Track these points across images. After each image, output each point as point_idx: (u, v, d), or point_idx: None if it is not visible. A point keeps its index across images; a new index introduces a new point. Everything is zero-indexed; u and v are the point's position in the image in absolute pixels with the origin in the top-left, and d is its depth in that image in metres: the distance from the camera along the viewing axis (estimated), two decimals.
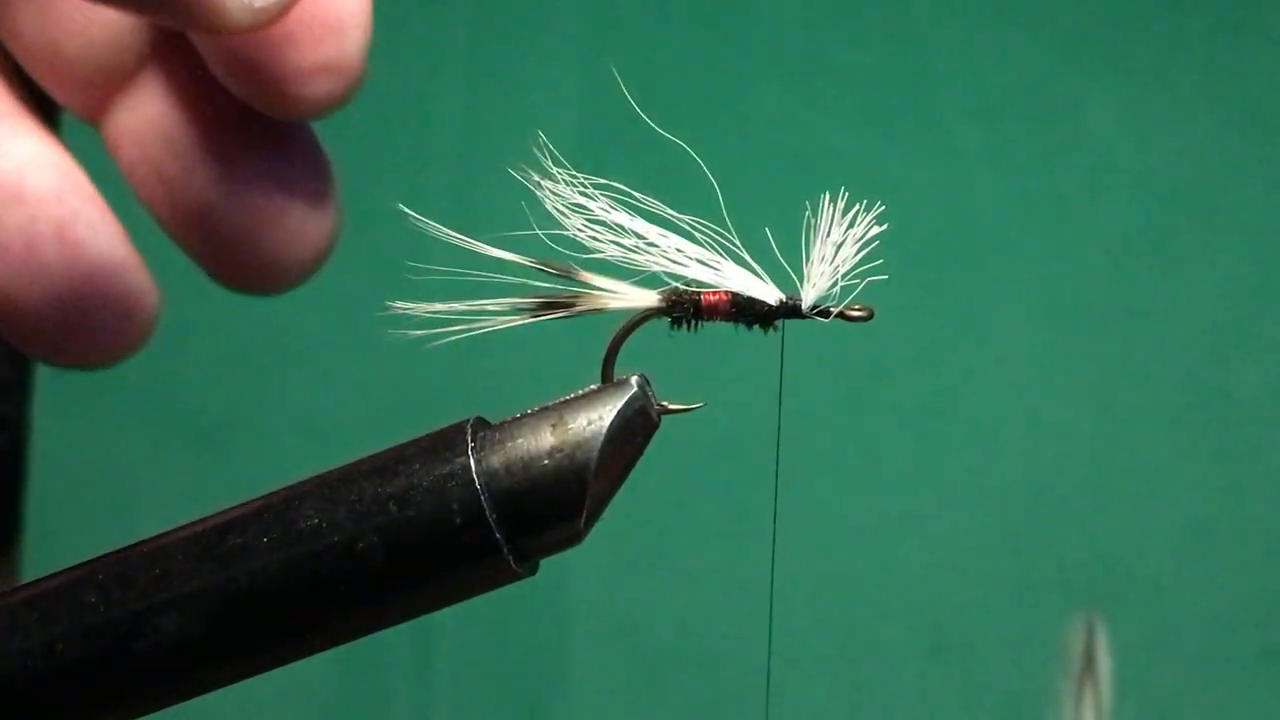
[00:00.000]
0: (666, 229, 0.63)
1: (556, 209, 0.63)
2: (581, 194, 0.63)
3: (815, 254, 0.63)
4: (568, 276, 0.63)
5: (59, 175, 0.58)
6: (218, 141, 0.59)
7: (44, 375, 1.50)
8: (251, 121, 0.59)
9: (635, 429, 0.59)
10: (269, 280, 0.61)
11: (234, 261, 0.60)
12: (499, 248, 0.63)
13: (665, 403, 0.61)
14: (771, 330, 0.64)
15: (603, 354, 0.61)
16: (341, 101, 0.57)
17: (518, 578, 0.59)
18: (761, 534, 1.42)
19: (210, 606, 0.57)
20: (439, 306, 0.62)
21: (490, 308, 0.62)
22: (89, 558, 0.60)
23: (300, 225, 0.60)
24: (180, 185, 0.59)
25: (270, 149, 0.60)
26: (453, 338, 0.62)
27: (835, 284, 0.63)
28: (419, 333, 0.62)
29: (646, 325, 0.63)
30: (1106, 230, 1.47)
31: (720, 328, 0.65)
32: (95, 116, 0.60)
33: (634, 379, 0.60)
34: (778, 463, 0.73)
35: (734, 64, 1.50)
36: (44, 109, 0.60)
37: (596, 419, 0.58)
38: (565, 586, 1.44)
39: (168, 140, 0.59)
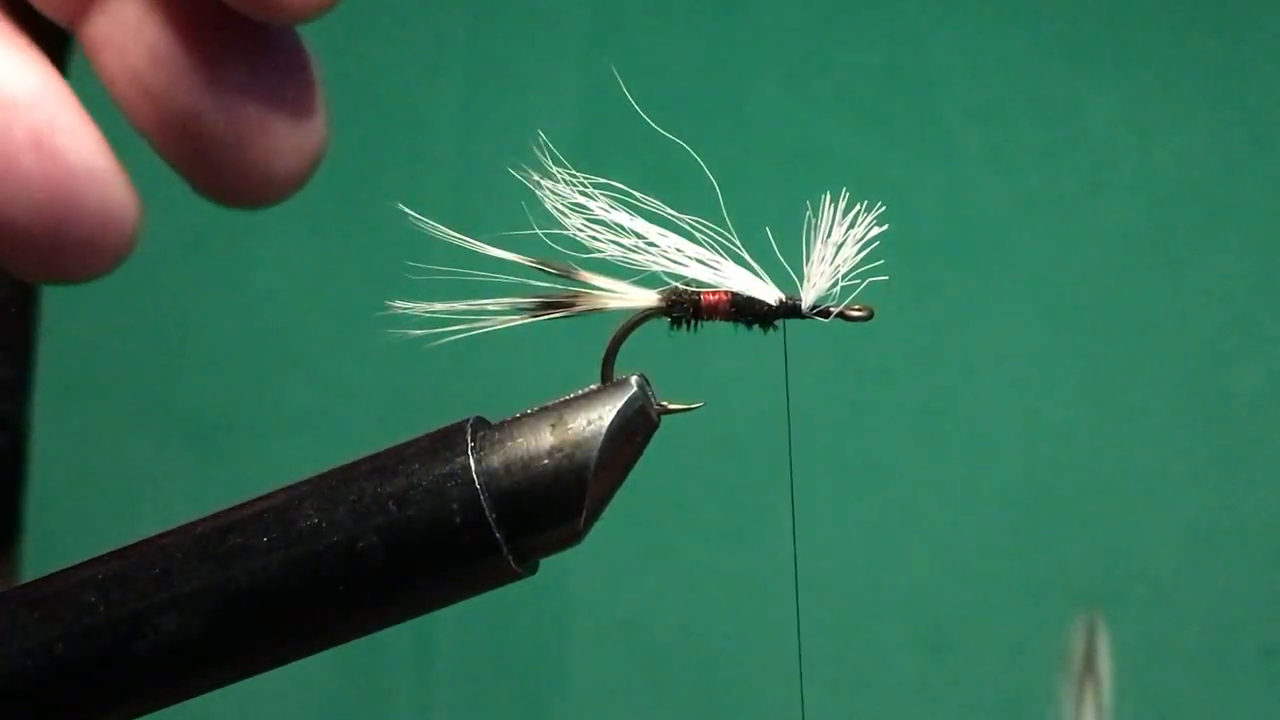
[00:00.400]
0: (666, 229, 0.63)
1: (556, 209, 0.63)
2: (581, 194, 0.63)
3: (815, 254, 0.63)
4: (567, 276, 0.63)
5: (35, 81, 0.57)
6: (201, 48, 0.57)
7: (44, 375, 1.50)
8: (237, 27, 0.58)
9: (635, 429, 0.59)
10: (257, 193, 0.60)
11: (220, 173, 0.59)
12: (499, 247, 0.63)
13: (665, 403, 0.61)
14: (771, 330, 0.64)
15: (603, 354, 0.61)
16: (329, 5, 0.56)
17: (518, 577, 0.59)
18: (761, 533, 1.42)
19: (210, 606, 0.57)
20: (439, 306, 0.62)
21: (490, 308, 0.62)
22: (89, 558, 0.59)
23: (288, 135, 0.59)
24: (163, 95, 0.58)
25: (256, 56, 0.58)
26: (453, 338, 0.62)
27: (835, 284, 0.63)
28: (419, 333, 0.62)
29: (646, 325, 0.63)
30: (1106, 230, 1.47)
31: (720, 328, 0.65)
32: (73, 22, 0.60)
33: (634, 379, 0.60)
34: (791, 464, 0.73)
35: (734, 64, 1.50)
36: (37, 24, 0.59)
37: (596, 419, 0.58)
38: (565, 586, 1.44)
39: (149, 47, 0.58)
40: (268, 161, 0.59)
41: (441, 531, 0.57)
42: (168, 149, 0.59)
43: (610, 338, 0.62)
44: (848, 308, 0.64)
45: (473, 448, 0.58)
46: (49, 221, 0.57)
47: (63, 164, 0.57)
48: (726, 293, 0.64)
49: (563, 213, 0.63)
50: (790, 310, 0.64)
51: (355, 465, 0.59)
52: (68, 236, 0.57)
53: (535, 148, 0.63)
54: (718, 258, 0.63)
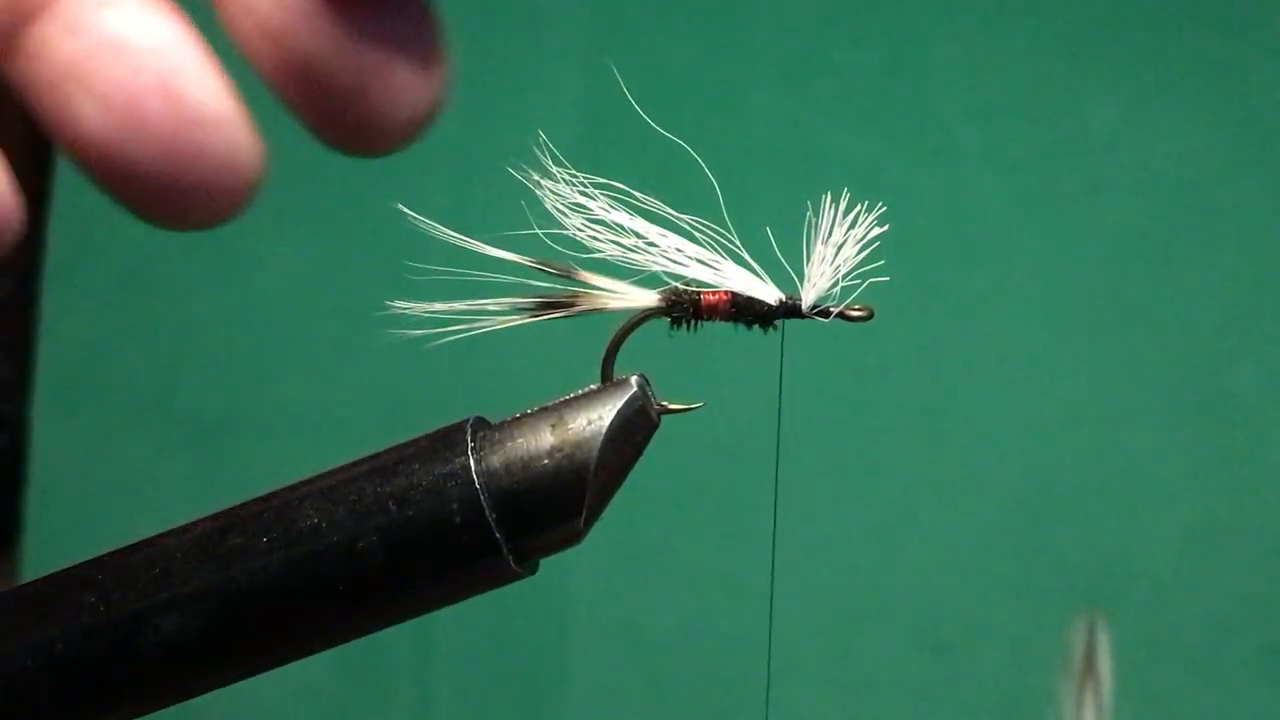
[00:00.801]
0: (666, 229, 0.63)
1: (556, 208, 0.63)
2: (581, 193, 0.63)
3: (815, 254, 0.63)
4: (567, 276, 0.63)
5: (162, 26, 0.57)
6: None
7: (44, 375, 1.50)
8: None
9: (635, 429, 0.59)
10: (377, 140, 0.60)
11: (341, 119, 0.59)
12: (498, 247, 0.63)
13: (665, 403, 0.61)
14: (771, 330, 0.64)
15: (602, 354, 0.61)
16: None
17: (517, 577, 0.59)
18: (761, 533, 1.42)
19: (210, 606, 0.57)
20: (439, 306, 0.62)
21: (490, 308, 0.62)
22: (89, 558, 0.59)
23: (411, 82, 0.59)
24: (286, 38, 0.58)
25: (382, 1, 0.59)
26: (453, 338, 0.62)
27: (835, 284, 0.63)
28: (419, 332, 0.62)
29: (646, 325, 0.63)
30: (1106, 230, 1.47)
31: (720, 328, 0.65)
32: None
33: (634, 379, 0.60)
34: (777, 462, 0.73)
35: (734, 64, 1.50)
36: None
37: (596, 419, 0.58)
38: (565, 586, 1.44)
39: None
40: (390, 108, 0.59)
41: (441, 531, 0.57)
42: (288, 92, 0.59)
43: (610, 338, 0.62)
44: (848, 308, 0.64)
45: (473, 448, 0.58)
46: (174, 167, 0.57)
47: (188, 110, 0.56)
48: (726, 293, 0.64)
49: (563, 213, 0.63)
50: (790, 310, 0.64)
51: (355, 465, 0.59)
52: (193, 182, 0.57)
53: (535, 148, 0.63)
54: (718, 258, 0.63)
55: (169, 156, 0.57)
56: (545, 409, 0.59)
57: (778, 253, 0.64)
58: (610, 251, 0.63)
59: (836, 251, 0.63)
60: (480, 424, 0.59)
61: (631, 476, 0.59)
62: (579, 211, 0.63)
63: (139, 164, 0.56)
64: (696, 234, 0.63)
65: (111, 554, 0.59)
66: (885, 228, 0.62)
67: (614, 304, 0.63)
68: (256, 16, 0.58)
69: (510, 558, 0.57)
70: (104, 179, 0.58)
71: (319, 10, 0.57)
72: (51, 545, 1.46)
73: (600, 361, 0.61)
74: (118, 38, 0.56)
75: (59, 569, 0.60)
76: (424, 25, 0.59)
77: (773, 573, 0.70)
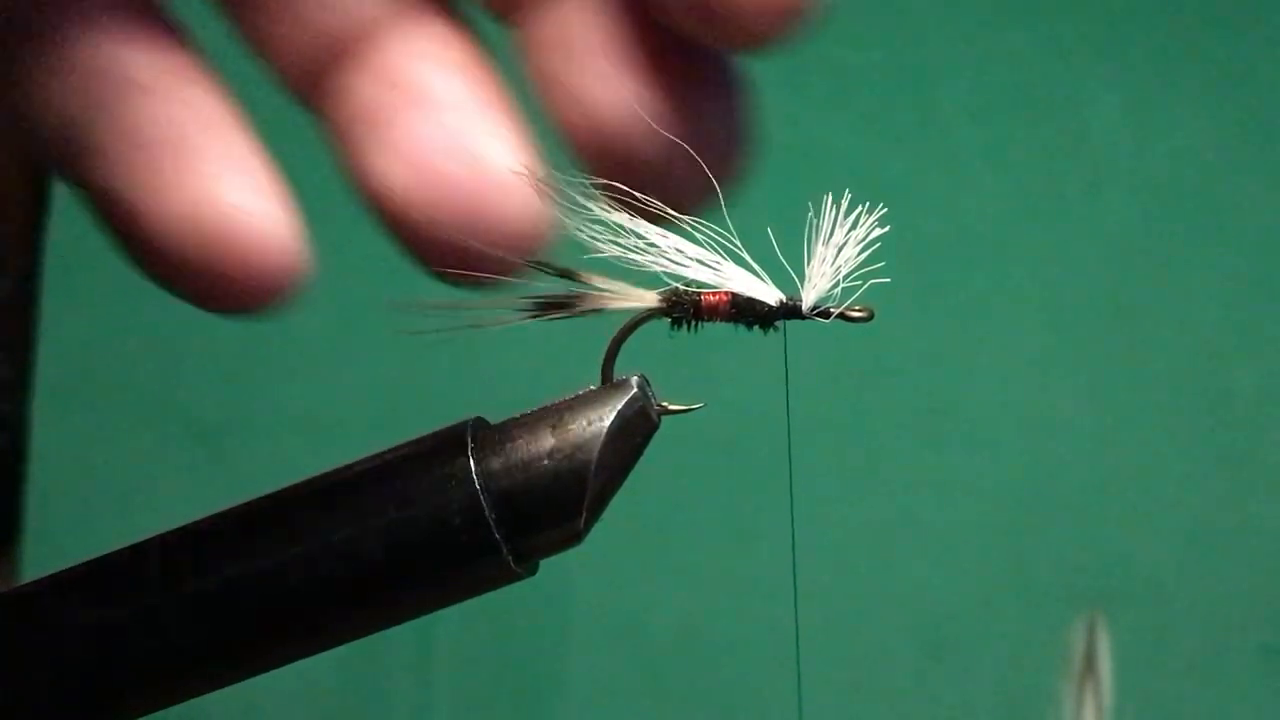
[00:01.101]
0: (667, 229, 0.63)
1: (556, 208, 0.63)
2: (581, 194, 0.63)
3: (816, 255, 0.63)
4: (567, 277, 0.63)
5: (469, 85, 0.55)
6: (638, 60, 0.55)
7: (44, 375, 1.50)
8: (673, 41, 0.55)
9: (635, 430, 0.59)
10: (674, 210, 0.58)
11: (656, 196, 0.57)
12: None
13: (665, 403, 0.61)
14: (771, 331, 0.64)
15: (602, 354, 0.61)
16: (788, 27, 0.52)
17: (518, 578, 0.59)
18: (761, 533, 1.42)
19: (210, 606, 0.57)
20: (439, 306, 0.62)
21: (490, 308, 0.62)
22: (88, 558, 0.59)
23: (715, 159, 0.56)
24: (590, 102, 0.55)
25: (694, 74, 0.56)
26: (453, 338, 0.62)
27: (836, 285, 0.63)
28: (419, 332, 0.62)
29: (646, 325, 0.63)
30: (1106, 230, 1.47)
31: (720, 328, 0.65)
32: (511, 17, 0.56)
33: (634, 379, 0.60)
34: (790, 465, 0.73)
35: None
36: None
37: (596, 420, 0.58)
38: (565, 586, 1.44)
39: (583, 50, 0.55)
40: (684, 193, 0.57)
41: (441, 532, 0.57)
42: (587, 159, 0.57)
43: (610, 338, 0.62)
44: (848, 309, 0.64)
45: (473, 448, 0.58)
46: (462, 228, 0.54)
47: (482, 170, 0.55)
48: (727, 293, 0.63)
49: (563, 213, 0.63)
50: (790, 311, 0.64)
51: (355, 465, 0.59)
52: (480, 244, 0.55)
53: (536, 147, 0.63)
54: (718, 258, 0.63)
55: (458, 217, 0.54)
56: (545, 410, 0.59)
57: (778, 253, 0.64)
58: (610, 252, 0.63)
59: (837, 252, 0.63)
60: (480, 425, 0.59)
61: (632, 477, 0.59)
62: (579, 211, 0.63)
63: (423, 219, 0.54)
64: (697, 234, 0.63)
65: (110, 554, 0.59)
66: (886, 228, 0.62)
67: (614, 304, 0.63)
68: (563, 76, 0.55)
69: (510, 558, 0.57)
70: (393, 231, 0.56)
71: (630, 78, 0.55)
72: (51, 545, 1.46)
73: (600, 362, 0.61)
74: (422, 93, 0.54)
75: (58, 570, 0.60)
76: (737, 94, 0.56)
77: (795, 579, 0.70)
